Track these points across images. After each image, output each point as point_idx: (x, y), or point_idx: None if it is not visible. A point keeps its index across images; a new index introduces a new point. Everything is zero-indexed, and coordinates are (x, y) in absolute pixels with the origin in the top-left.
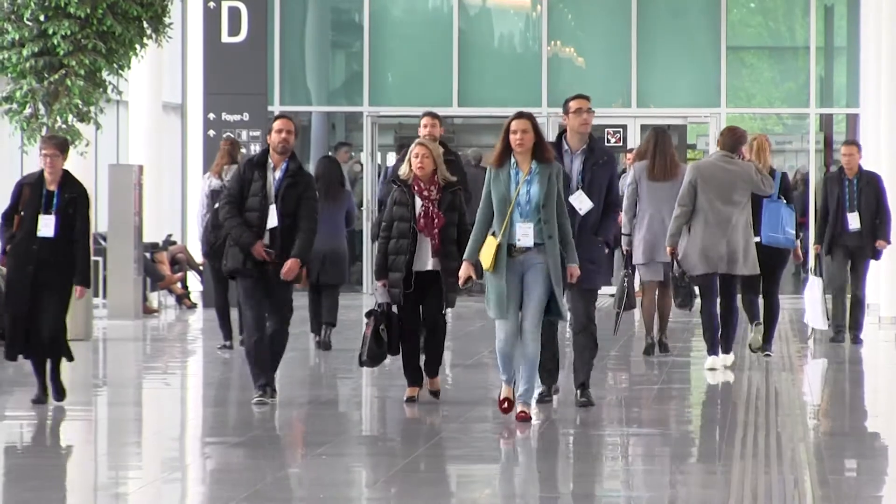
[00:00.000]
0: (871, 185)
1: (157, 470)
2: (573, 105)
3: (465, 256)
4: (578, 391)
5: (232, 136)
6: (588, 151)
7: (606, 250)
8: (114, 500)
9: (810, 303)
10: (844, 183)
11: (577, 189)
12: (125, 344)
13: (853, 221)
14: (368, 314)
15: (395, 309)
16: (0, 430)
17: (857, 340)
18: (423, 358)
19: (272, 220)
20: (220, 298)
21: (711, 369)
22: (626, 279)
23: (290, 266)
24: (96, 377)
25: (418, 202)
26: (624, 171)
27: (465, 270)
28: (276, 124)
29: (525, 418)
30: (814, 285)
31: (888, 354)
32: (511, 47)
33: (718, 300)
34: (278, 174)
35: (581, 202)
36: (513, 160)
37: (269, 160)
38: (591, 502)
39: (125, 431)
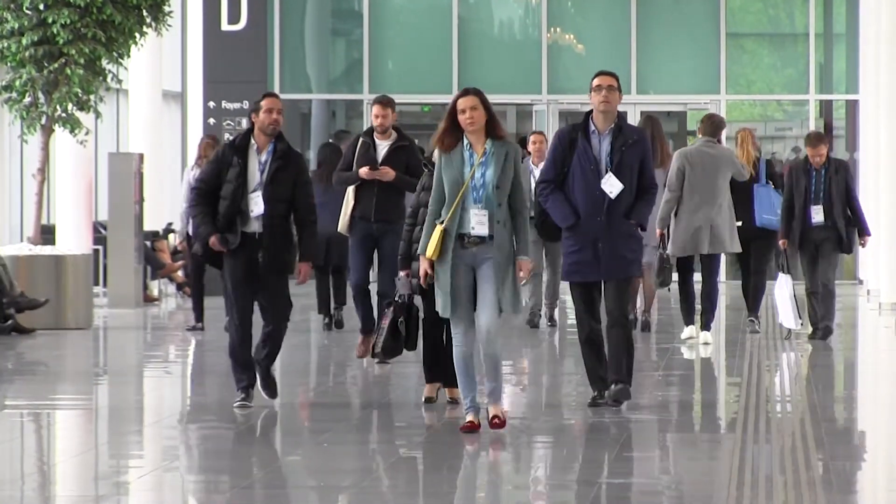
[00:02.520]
0: (840, 172)
1: (158, 458)
2: (594, 82)
3: (419, 251)
4: (612, 385)
5: (214, 135)
6: (616, 131)
7: (640, 232)
8: (115, 489)
9: (781, 301)
10: (811, 174)
11: (607, 172)
12: (125, 332)
13: (817, 215)
14: (388, 304)
15: (418, 301)
16: (0, 419)
17: (828, 331)
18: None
19: (258, 208)
20: (196, 282)
21: (689, 338)
22: None
23: (304, 272)
24: (96, 366)
25: None
26: None
27: (422, 267)
28: (266, 103)
29: (499, 425)
30: (782, 283)
31: (889, 341)
32: (511, 34)
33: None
34: (264, 157)
35: (611, 185)
36: (466, 141)
37: (253, 141)
38: (590, 488)
39: (126, 420)
